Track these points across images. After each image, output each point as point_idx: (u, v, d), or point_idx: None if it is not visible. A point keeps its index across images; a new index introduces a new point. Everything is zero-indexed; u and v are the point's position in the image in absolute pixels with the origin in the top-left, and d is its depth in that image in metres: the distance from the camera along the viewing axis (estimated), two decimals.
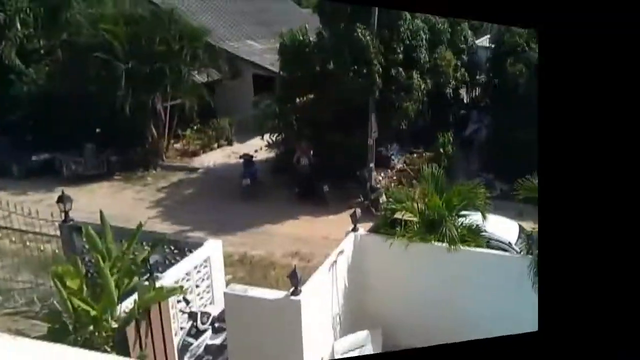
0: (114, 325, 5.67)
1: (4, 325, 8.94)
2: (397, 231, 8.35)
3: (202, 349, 7.84)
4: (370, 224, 9.79)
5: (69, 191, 9.82)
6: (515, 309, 6.68)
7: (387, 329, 8.25)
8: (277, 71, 18.97)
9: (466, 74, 20.02)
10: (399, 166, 19.15)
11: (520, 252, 9.11)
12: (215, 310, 8.28)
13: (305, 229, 14.92)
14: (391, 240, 8.14)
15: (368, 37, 15.58)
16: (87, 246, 7.23)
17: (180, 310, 7.92)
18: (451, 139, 18.01)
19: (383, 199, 15.08)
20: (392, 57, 16.33)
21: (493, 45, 21.86)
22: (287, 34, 17.37)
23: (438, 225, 8.41)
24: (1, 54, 18.40)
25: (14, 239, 10.67)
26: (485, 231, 9.00)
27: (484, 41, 26.95)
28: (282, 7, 31.72)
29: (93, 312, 5.44)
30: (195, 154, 20.20)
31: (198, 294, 8.45)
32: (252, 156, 17.76)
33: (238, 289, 7.44)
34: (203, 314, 8.03)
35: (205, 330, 7.94)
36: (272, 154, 18.78)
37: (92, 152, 17.64)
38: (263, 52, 23.73)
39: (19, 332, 4.20)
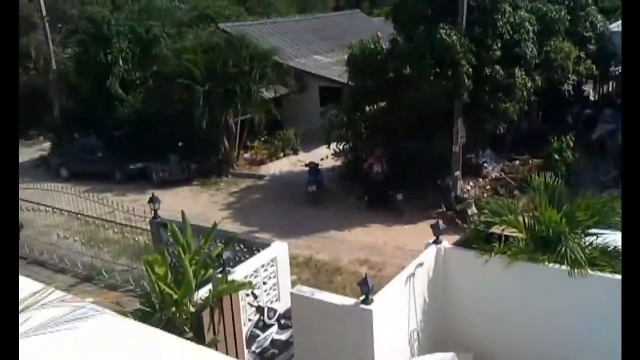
0: (192, 309, 6.39)
1: (108, 296, 10.56)
2: (494, 247, 7.11)
3: (268, 341, 8.03)
4: (454, 237, 8.86)
5: (157, 193, 11.54)
6: None
7: (481, 355, 7.26)
8: (344, 82, 19.40)
9: (594, 67, 17.64)
10: (494, 174, 17.40)
11: None
12: (281, 308, 8.50)
13: (376, 237, 14.69)
14: (487, 257, 6.98)
15: (454, 37, 14.54)
16: (171, 240, 8.21)
17: (249, 304, 8.17)
18: (571, 143, 15.81)
19: (472, 210, 14.19)
20: (487, 55, 15.00)
21: None
22: (357, 44, 17.39)
23: (554, 244, 7.08)
24: (109, 87, 22.30)
25: (116, 230, 13.09)
26: None
27: (620, 24, 24.17)
28: (350, 20, 32.45)
29: (175, 296, 6.14)
30: (262, 162, 21.57)
31: (265, 290, 8.66)
32: (317, 164, 18.02)
33: (305, 290, 7.16)
34: (270, 309, 8.25)
35: (271, 325, 8.15)
36: (338, 162, 18.85)
37: (175, 161, 20.28)
38: (331, 65, 24.46)
39: (119, 304, 5.13)
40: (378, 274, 12.49)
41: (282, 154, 21.97)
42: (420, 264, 7.50)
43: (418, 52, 15.02)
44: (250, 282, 7.56)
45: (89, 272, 13.03)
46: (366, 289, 6.39)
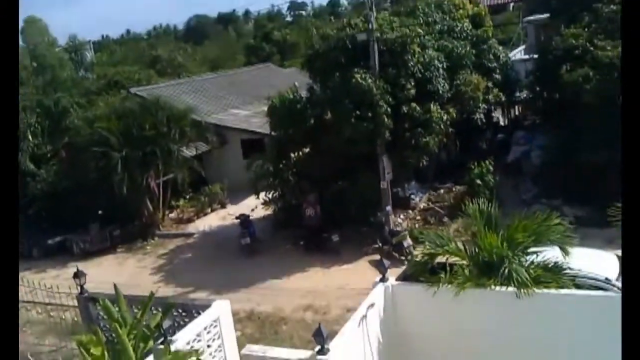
0: None
1: None
2: (441, 278, 7.18)
3: None
4: (394, 269, 8.71)
5: (80, 265, 10.90)
6: None
7: None
8: (265, 132, 19.46)
9: (501, 94, 18.50)
10: (422, 205, 17.86)
11: None
12: None
13: (316, 281, 14.51)
14: (435, 289, 7.07)
15: (369, 80, 14.93)
16: (101, 314, 7.60)
17: None
18: (491, 168, 16.42)
19: (407, 242, 14.51)
20: (402, 94, 15.40)
21: (536, 56, 19.63)
22: (277, 96, 17.55)
23: (497, 267, 7.20)
24: (19, 163, 21.14)
25: (39, 310, 12.38)
26: (570, 268, 7.45)
27: (517, 53, 24.67)
28: (263, 73, 32.95)
29: None
30: (190, 220, 20.96)
31: (210, 354, 8.14)
32: (248, 215, 17.71)
33: (256, 349, 6.87)
34: None
35: None
36: (269, 211, 18.64)
37: (96, 230, 19.41)
38: (250, 117, 24.57)
39: None
40: (324, 318, 12.31)
41: (209, 210, 21.50)
42: (372, 305, 7.34)
43: (336, 98, 15.34)
44: (197, 351, 7.07)
45: None
46: (321, 339, 6.17)
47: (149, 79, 34.32)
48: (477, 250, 7.71)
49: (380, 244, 15.20)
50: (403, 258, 14.34)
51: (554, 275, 7.26)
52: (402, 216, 17.27)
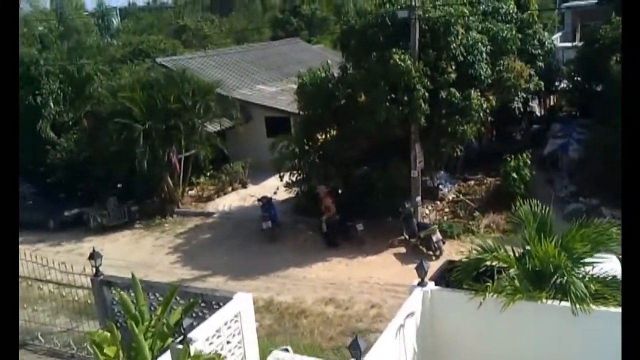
0: None
1: None
2: (487, 286, 6.57)
3: None
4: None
5: (96, 241, 10.38)
6: None
7: None
8: (291, 111, 18.87)
9: (542, 83, 17.48)
10: (451, 196, 17.00)
11: None
12: None
13: (339, 272, 13.88)
14: (481, 299, 6.48)
15: (408, 62, 14.11)
16: (116, 299, 7.15)
17: None
18: (528, 161, 15.59)
19: (437, 236, 13.92)
20: (442, 78, 14.60)
21: (580, 44, 18.72)
22: (307, 74, 16.81)
23: (549, 278, 6.63)
24: (39, 130, 21.06)
25: (51, 287, 12.00)
26: None
27: (555, 40, 23.40)
28: (292, 48, 32.06)
29: None
30: (209, 198, 20.47)
31: (229, 350, 7.80)
32: (270, 198, 17.16)
33: (284, 357, 6.49)
34: None
35: None
36: (291, 195, 18.00)
37: (114, 204, 19.02)
38: (276, 95, 23.92)
39: None
40: (346, 313, 11.81)
41: (230, 189, 20.97)
42: (411, 314, 6.74)
43: (371, 79, 14.54)
44: (219, 355, 6.54)
45: (22, 337, 11.45)
46: (358, 353, 5.55)
47: (175, 49, 33.78)
48: (526, 257, 6.97)
49: (406, 236, 14.52)
50: (431, 253, 13.75)
51: (612, 290, 6.49)
52: (429, 207, 16.50)
